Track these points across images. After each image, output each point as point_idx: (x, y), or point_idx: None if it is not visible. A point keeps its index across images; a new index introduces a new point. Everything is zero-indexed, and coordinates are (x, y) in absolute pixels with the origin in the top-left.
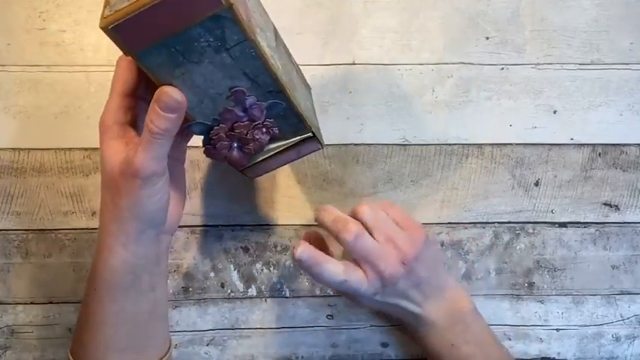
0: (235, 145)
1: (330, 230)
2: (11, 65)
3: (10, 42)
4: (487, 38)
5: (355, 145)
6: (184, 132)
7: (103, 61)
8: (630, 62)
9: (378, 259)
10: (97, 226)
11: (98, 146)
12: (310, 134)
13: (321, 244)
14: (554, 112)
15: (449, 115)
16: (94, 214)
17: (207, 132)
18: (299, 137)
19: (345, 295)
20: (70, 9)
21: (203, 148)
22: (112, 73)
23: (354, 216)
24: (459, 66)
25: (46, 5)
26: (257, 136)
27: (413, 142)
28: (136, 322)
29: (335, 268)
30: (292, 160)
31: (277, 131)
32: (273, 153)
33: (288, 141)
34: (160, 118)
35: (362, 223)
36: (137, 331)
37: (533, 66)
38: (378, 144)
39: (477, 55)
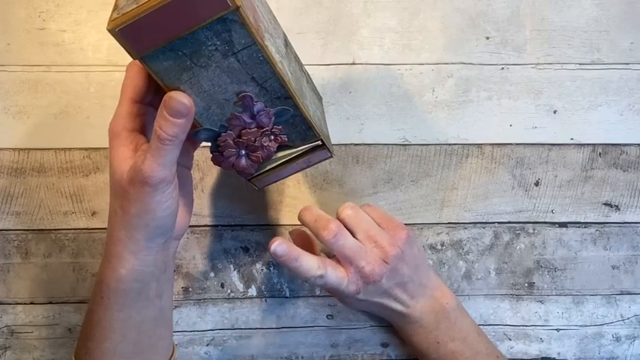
0: (243, 152)
1: (311, 229)
2: (11, 65)
3: (10, 42)
4: (487, 38)
5: (355, 145)
6: (192, 139)
7: (103, 61)
8: (630, 62)
9: (358, 257)
10: (96, 226)
11: (98, 146)
12: (319, 142)
13: (307, 242)
14: (555, 112)
15: (449, 115)
16: (93, 214)
17: (214, 139)
18: (308, 145)
19: (332, 294)
20: (70, 9)
21: (210, 156)
22: (112, 73)
23: (337, 217)
24: (459, 66)
25: (46, 5)
26: (265, 144)
27: (413, 142)
28: (142, 329)
29: (311, 263)
30: (301, 169)
31: (286, 138)
32: (281, 162)
33: (296, 149)
34: (168, 124)
35: (344, 224)
36: (143, 338)
37: (534, 66)
38: (378, 144)
39: (477, 55)
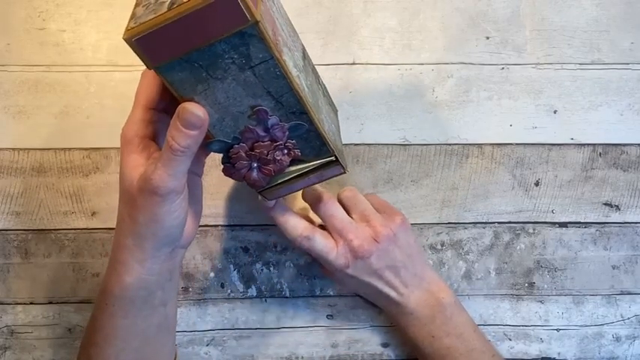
0: (255, 165)
1: (307, 201)
2: (11, 65)
3: (10, 42)
4: (487, 38)
5: (355, 145)
6: (204, 147)
7: (103, 61)
8: (630, 62)
9: (347, 230)
10: (96, 226)
11: (98, 146)
12: (333, 158)
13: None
14: (555, 112)
15: (449, 115)
16: (93, 214)
17: (226, 150)
18: (321, 161)
19: (325, 267)
20: (70, 9)
21: (222, 167)
22: (112, 73)
23: (337, 198)
24: (459, 66)
25: (46, 5)
26: (277, 157)
27: (413, 142)
28: (145, 336)
29: (299, 223)
30: (314, 184)
31: (299, 153)
32: (293, 175)
33: (309, 164)
34: (181, 135)
35: (342, 205)
36: (146, 345)
37: (534, 66)
38: (378, 144)
39: (477, 55)
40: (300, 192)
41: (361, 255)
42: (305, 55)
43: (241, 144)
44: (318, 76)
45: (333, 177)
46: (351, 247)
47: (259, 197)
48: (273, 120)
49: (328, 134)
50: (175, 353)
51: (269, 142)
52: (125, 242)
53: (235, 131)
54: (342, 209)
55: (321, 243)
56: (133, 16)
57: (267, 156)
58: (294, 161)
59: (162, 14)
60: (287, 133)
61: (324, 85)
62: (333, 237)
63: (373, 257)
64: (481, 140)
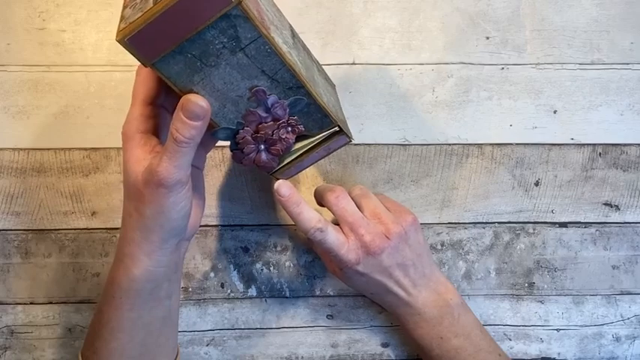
0: (262, 147)
1: (318, 195)
2: (11, 65)
3: (10, 42)
4: (487, 38)
5: (355, 145)
6: (206, 140)
7: (103, 61)
8: (630, 62)
9: (358, 225)
10: (96, 226)
11: (98, 146)
12: (337, 128)
13: None
14: (555, 112)
15: (449, 115)
16: (93, 214)
17: (233, 137)
18: (326, 132)
19: (333, 264)
20: (70, 9)
21: (231, 154)
22: (112, 73)
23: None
24: (459, 66)
25: (46, 5)
26: (283, 136)
27: (413, 142)
28: (150, 329)
29: (313, 214)
30: (322, 158)
31: (303, 128)
32: (301, 152)
33: (315, 138)
34: (185, 127)
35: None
36: (150, 339)
37: (534, 66)
38: (378, 144)
39: (477, 55)
40: (312, 191)
41: (373, 251)
42: (294, 34)
43: (246, 128)
44: (311, 54)
45: (340, 148)
46: (363, 242)
47: (275, 187)
48: (272, 99)
49: (328, 105)
50: (177, 350)
51: (272, 122)
52: (133, 236)
53: (238, 116)
54: (353, 203)
55: (333, 236)
56: (122, 18)
57: (272, 136)
58: (299, 138)
59: (148, 10)
60: (288, 110)
61: (318, 62)
62: (343, 231)
63: (384, 254)
64: (481, 140)
